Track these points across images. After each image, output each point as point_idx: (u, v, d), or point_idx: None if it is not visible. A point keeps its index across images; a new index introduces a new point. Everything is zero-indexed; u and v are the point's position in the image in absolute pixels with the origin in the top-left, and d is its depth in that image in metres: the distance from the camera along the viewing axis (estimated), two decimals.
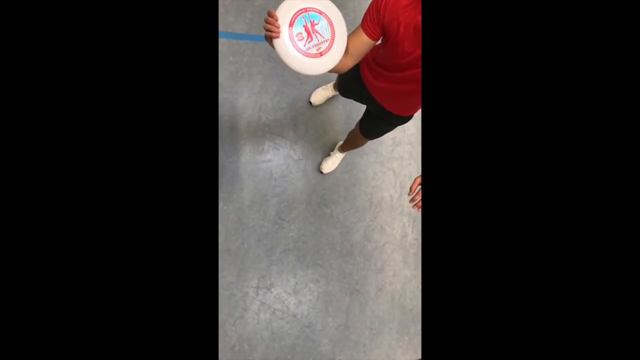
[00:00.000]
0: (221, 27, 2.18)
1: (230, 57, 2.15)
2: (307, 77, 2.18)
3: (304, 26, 1.09)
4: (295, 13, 1.08)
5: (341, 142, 2.13)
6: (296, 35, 1.08)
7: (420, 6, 1.05)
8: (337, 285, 2.18)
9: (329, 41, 1.11)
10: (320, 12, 1.11)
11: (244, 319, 2.05)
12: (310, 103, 2.21)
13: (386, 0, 1.09)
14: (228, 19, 2.18)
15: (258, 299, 2.08)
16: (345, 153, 2.17)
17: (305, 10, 1.09)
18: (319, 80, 2.25)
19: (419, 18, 1.05)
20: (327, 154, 2.22)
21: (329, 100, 2.25)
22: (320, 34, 1.11)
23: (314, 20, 1.10)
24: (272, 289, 2.10)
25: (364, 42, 1.17)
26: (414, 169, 2.35)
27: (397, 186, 2.33)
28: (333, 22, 1.12)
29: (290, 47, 1.08)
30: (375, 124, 1.62)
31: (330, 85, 2.19)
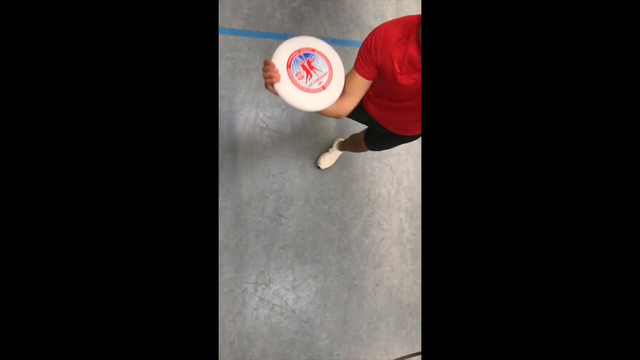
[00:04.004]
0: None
1: (227, 53, 2.14)
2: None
3: (301, 65, 1.12)
4: (290, 56, 1.11)
5: (341, 139, 2.13)
6: (296, 75, 1.11)
7: (410, 37, 1.07)
8: (335, 280, 2.20)
9: (328, 74, 1.14)
10: (313, 50, 1.14)
11: (243, 315, 2.06)
12: None
13: (375, 40, 1.11)
14: (225, 15, 2.17)
15: (257, 294, 2.09)
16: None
17: (299, 51, 1.13)
18: None
19: (411, 50, 1.07)
20: (325, 150, 2.22)
21: None
22: (318, 69, 1.14)
23: (309, 59, 1.13)
24: (271, 285, 2.11)
25: (359, 82, 1.18)
26: (411, 165, 2.37)
27: (395, 182, 2.34)
28: (327, 56, 1.15)
29: (292, 87, 1.11)
30: (384, 140, 1.63)
31: None
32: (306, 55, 1.13)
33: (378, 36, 1.11)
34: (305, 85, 1.12)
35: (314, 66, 1.13)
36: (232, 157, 2.11)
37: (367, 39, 1.14)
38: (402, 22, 1.10)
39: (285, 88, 1.11)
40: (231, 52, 2.15)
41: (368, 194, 2.29)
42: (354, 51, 2.36)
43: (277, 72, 1.09)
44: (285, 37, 2.22)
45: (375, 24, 2.39)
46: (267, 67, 1.09)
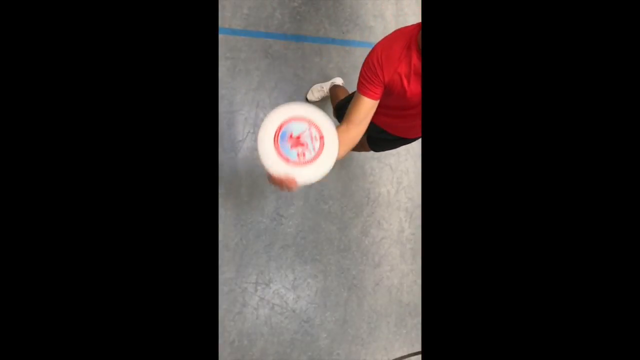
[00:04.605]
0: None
1: (227, 53, 2.14)
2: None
3: (291, 147, 1.04)
4: (275, 152, 1.04)
5: None
6: (298, 157, 1.04)
7: (411, 48, 1.06)
8: (335, 280, 2.20)
9: (311, 126, 1.06)
10: (281, 125, 1.05)
11: (243, 315, 2.06)
12: (307, 100, 2.21)
13: (378, 59, 1.08)
14: (225, 15, 2.17)
15: (257, 294, 2.09)
16: None
17: (275, 139, 1.04)
18: (316, 78, 2.25)
19: (414, 60, 1.06)
20: None
21: (326, 97, 2.25)
22: (302, 132, 1.05)
23: (290, 133, 1.05)
24: (271, 285, 2.11)
25: (367, 105, 1.14)
26: (410, 164, 2.37)
27: (394, 182, 2.34)
28: (296, 115, 1.07)
29: (306, 169, 1.05)
30: (388, 142, 1.64)
31: (326, 85, 2.20)
32: (282, 135, 1.04)
33: (379, 55, 1.08)
34: (310, 157, 1.05)
35: (299, 135, 1.05)
36: (232, 157, 2.11)
37: (367, 60, 1.11)
38: (399, 36, 1.08)
39: (303, 177, 1.04)
40: (231, 52, 2.15)
41: (368, 193, 2.29)
42: (354, 51, 2.37)
43: (288, 179, 1.02)
44: (285, 37, 2.23)
45: (375, 23, 2.39)
46: (276, 181, 1.02)
